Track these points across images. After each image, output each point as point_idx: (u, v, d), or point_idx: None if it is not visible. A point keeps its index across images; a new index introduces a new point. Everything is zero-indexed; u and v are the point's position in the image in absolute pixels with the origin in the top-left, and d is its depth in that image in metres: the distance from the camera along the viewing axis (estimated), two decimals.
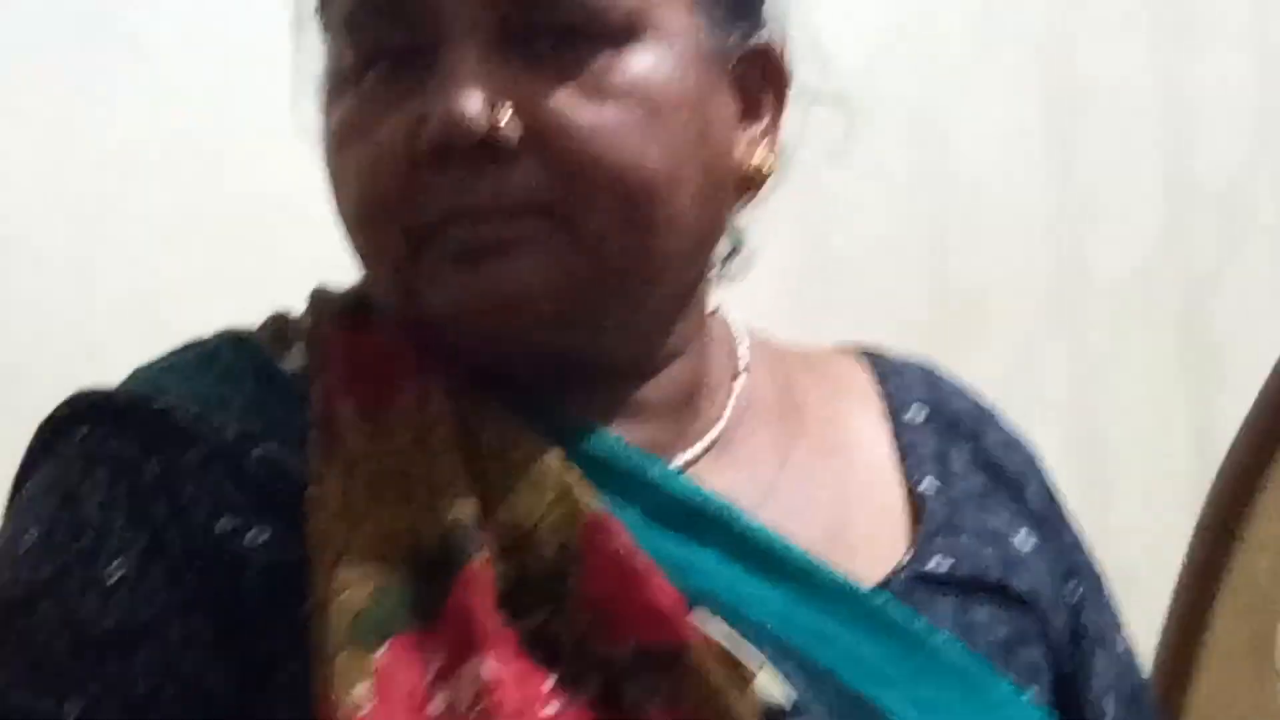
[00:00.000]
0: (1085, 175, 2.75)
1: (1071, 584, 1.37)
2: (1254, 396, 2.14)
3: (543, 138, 1.18)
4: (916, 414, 1.38)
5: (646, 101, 1.21)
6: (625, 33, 1.21)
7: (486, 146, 1.18)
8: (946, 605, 1.27)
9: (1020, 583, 1.31)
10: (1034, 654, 1.31)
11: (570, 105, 1.19)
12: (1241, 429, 2.14)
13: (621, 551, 1.17)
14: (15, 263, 2.35)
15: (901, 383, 1.40)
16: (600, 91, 1.20)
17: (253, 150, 2.24)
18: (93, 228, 2.37)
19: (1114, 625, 1.41)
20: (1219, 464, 2.14)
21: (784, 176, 1.32)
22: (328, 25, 1.28)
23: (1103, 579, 1.40)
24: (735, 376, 1.32)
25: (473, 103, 1.17)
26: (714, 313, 1.34)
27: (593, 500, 1.18)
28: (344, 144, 1.24)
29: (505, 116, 1.18)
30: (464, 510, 1.18)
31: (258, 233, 2.09)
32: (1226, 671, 2.09)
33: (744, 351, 1.34)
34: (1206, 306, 2.70)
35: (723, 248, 1.32)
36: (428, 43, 1.21)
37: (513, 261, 1.20)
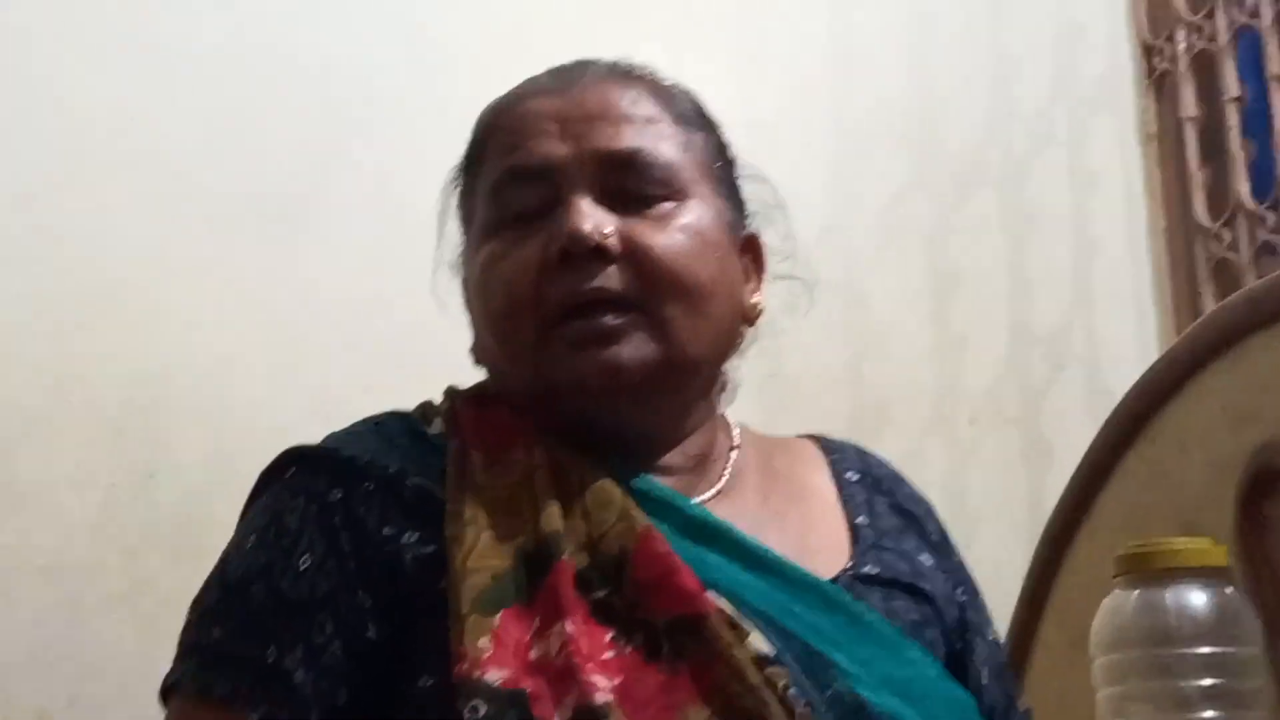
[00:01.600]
0: (956, 324, 2.81)
1: (959, 591, 1.44)
2: (1069, 476, 2.08)
3: (633, 252, 1.30)
4: (852, 475, 1.47)
5: (697, 235, 1.33)
6: (679, 194, 1.33)
7: (597, 255, 1.29)
8: (875, 596, 1.35)
9: (925, 585, 1.39)
10: (934, 634, 1.37)
11: (650, 233, 1.31)
12: (1060, 500, 2.07)
13: (662, 550, 1.25)
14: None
15: (841, 456, 1.49)
16: (668, 227, 1.31)
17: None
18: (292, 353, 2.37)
19: (986, 621, 1.46)
20: (1047, 519, 2.08)
21: (756, 330, 1.45)
22: (479, 194, 1.39)
23: (978, 590, 1.47)
24: (731, 450, 1.42)
25: (589, 223, 1.29)
26: (720, 412, 1.44)
27: (643, 517, 1.27)
28: (490, 267, 1.34)
29: (610, 234, 1.30)
30: (556, 523, 1.25)
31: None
32: (1052, 659, 1.97)
33: (736, 435, 1.44)
34: (1040, 413, 2.77)
35: (729, 370, 1.43)
36: (550, 203, 1.32)
37: (615, 346, 1.29)
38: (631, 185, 1.33)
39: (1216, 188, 2.83)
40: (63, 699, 2.16)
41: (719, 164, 1.42)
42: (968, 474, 2.74)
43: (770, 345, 1.47)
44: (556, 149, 1.34)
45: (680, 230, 1.33)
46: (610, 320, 1.30)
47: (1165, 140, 2.93)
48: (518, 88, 1.41)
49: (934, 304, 2.84)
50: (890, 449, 1.58)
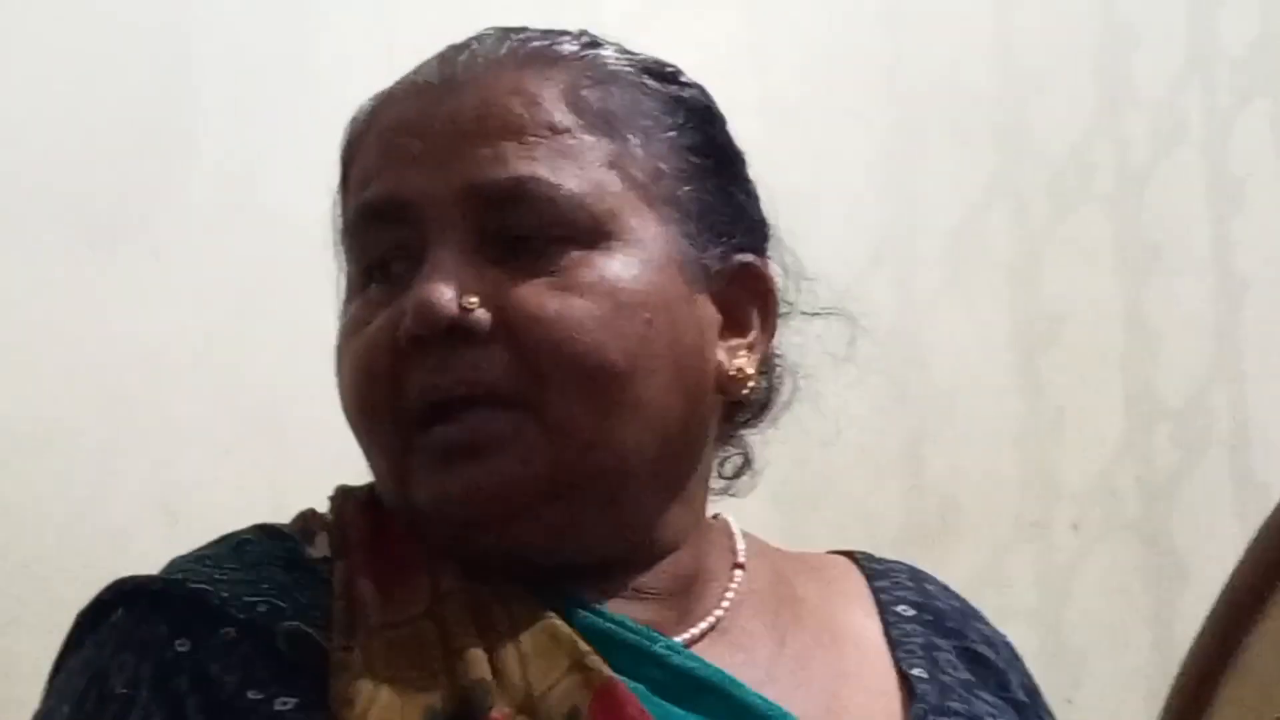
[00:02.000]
0: (1052, 391, 2.58)
1: None
2: (1211, 604, 2.05)
3: (510, 326, 1.11)
4: (905, 610, 1.27)
5: (611, 297, 1.13)
6: (592, 235, 1.13)
7: (457, 333, 1.10)
8: None
9: None
10: None
11: (536, 297, 1.12)
12: (1199, 635, 2.03)
13: (631, 713, 1.07)
14: (46, 452, 2.18)
15: (890, 582, 1.29)
16: (566, 286, 1.12)
17: (272, 353, 2.10)
18: (118, 423, 2.20)
19: None
20: (1179, 666, 2.06)
21: (787, 395, 1.23)
22: (342, 242, 1.21)
23: None
24: (734, 568, 1.21)
25: (441, 293, 1.10)
26: (716, 516, 1.24)
27: (605, 669, 1.07)
28: (345, 342, 1.17)
29: (472, 305, 1.11)
30: (482, 669, 1.08)
31: (273, 433, 1.94)
32: None
33: (741, 551, 1.23)
34: (1170, 515, 2.52)
35: (716, 454, 1.22)
36: (416, 250, 1.14)
37: (485, 461, 1.10)
38: (518, 228, 1.14)
39: None
40: None
41: (684, 173, 1.20)
42: (1069, 599, 2.52)
43: (793, 422, 1.24)
44: (415, 180, 1.16)
45: (586, 291, 1.14)
46: (481, 424, 1.12)
47: None
48: (395, 83, 1.23)
49: (1022, 361, 2.60)
50: (960, 567, 1.65)
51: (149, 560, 1.20)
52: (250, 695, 1.10)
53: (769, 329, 1.23)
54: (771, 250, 1.26)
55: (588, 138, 1.18)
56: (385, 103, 1.23)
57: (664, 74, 1.25)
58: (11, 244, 2.29)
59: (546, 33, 1.23)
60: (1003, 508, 2.51)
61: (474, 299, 1.13)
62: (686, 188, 1.20)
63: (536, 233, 1.15)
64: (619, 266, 1.15)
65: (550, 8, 1.61)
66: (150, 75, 2.37)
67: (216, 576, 1.17)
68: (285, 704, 1.09)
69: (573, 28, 1.25)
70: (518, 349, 1.12)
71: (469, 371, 1.13)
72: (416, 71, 1.23)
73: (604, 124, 1.19)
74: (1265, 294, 2.68)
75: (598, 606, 1.16)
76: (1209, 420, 2.62)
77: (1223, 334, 2.67)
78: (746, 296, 1.22)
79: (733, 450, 1.26)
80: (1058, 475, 2.58)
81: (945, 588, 1.34)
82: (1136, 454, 2.61)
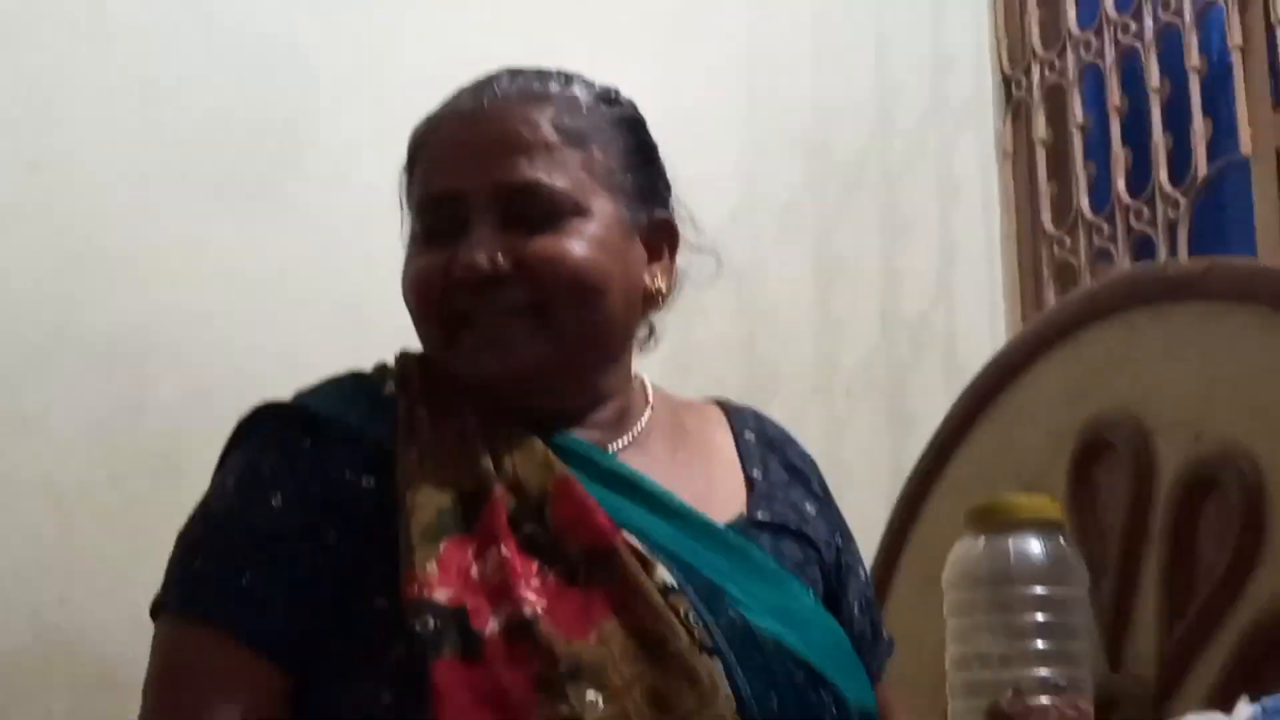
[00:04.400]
0: (838, 309, 2.86)
1: (836, 536, 1.48)
2: (926, 441, 2.15)
3: (526, 267, 1.30)
4: (749, 435, 1.50)
5: (590, 242, 1.32)
6: (574, 211, 1.32)
7: (487, 280, 1.30)
8: (765, 538, 1.39)
9: (808, 530, 1.44)
10: (815, 572, 1.42)
11: (543, 246, 1.31)
12: (919, 458, 2.13)
13: (577, 494, 1.28)
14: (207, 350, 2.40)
15: (741, 418, 1.53)
16: (561, 241, 1.31)
17: (361, 281, 2.25)
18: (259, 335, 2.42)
19: (858, 563, 1.51)
20: (907, 477, 2.16)
21: (672, 299, 1.44)
22: (409, 208, 1.40)
23: (852, 537, 1.52)
24: (647, 407, 1.44)
25: (481, 256, 1.30)
26: (636, 375, 1.46)
27: (561, 467, 1.30)
28: (409, 273, 1.37)
29: (502, 260, 1.30)
30: (489, 467, 1.28)
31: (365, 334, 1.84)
32: (909, 595, 2.03)
33: (651, 394, 1.46)
34: (905, 387, 2.81)
35: (642, 334, 1.43)
36: (461, 223, 1.33)
37: (509, 353, 1.32)
38: (530, 210, 1.34)
39: (1061, 201, 2.93)
40: (54, 598, 2.22)
41: (626, 169, 1.42)
42: (843, 437, 2.75)
43: (679, 316, 1.48)
44: (464, 181, 1.35)
45: (575, 242, 1.34)
46: (502, 326, 1.33)
47: (1019, 159, 3.02)
48: (442, 107, 1.42)
49: (818, 290, 2.87)
50: (776, 413, 1.59)
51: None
52: (347, 475, 1.29)
53: (673, 257, 1.44)
54: (675, 205, 1.45)
55: (568, 150, 1.35)
56: (438, 122, 1.40)
57: (610, 99, 1.42)
58: (188, 197, 2.44)
59: (540, 74, 1.40)
60: (804, 379, 2.76)
61: (500, 257, 1.31)
62: (627, 175, 1.39)
63: (540, 213, 1.33)
64: (590, 228, 1.34)
65: None
66: (281, 79, 2.53)
67: (326, 402, 1.36)
68: (368, 482, 1.29)
69: (556, 68, 1.41)
70: (532, 281, 1.32)
71: (495, 299, 1.31)
72: (457, 99, 1.41)
73: (578, 140, 1.36)
74: (969, 253, 2.93)
75: (563, 432, 1.36)
76: (932, 330, 2.85)
77: (941, 277, 2.93)
78: (662, 238, 1.43)
79: (646, 330, 1.45)
80: (838, 360, 2.83)
81: (774, 423, 1.56)
82: (886, 349, 2.86)
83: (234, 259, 2.45)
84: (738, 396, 1.60)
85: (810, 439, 1.58)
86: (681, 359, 2.40)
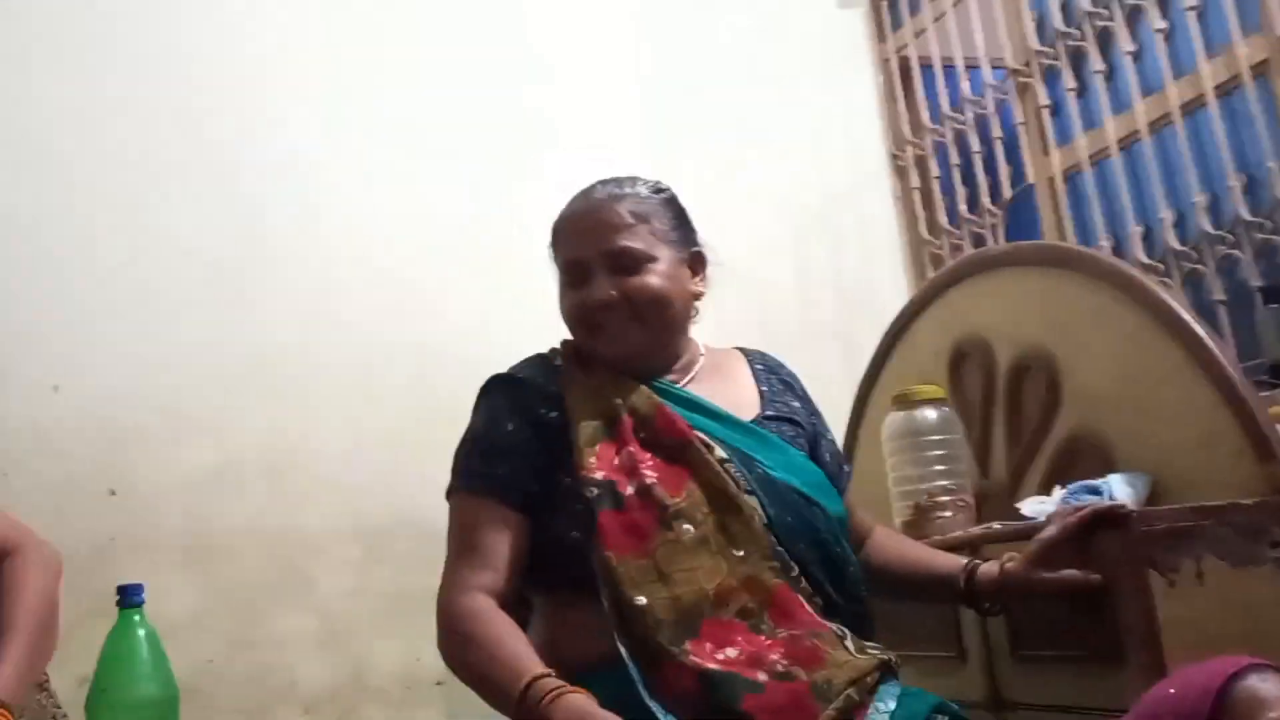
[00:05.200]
0: (826, 312, 2.80)
1: (812, 418, 1.43)
2: (868, 360, 2.09)
3: (628, 297, 1.33)
4: (759, 366, 1.46)
5: (661, 276, 1.34)
6: (650, 259, 1.34)
7: (607, 304, 1.33)
8: (772, 425, 1.36)
9: (796, 417, 1.41)
10: (802, 441, 1.38)
11: (634, 282, 1.32)
12: (865, 370, 2.09)
13: (667, 413, 1.30)
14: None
15: (752, 355, 1.48)
16: (645, 278, 1.33)
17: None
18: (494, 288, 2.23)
19: (827, 431, 1.45)
20: (860, 379, 2.08)
21: (707, 294, 1.39)
22: (557, 261, 1.39)
23: (821, 416, 1.47)
24: (699, 357, 1.42)
25: (600, 294, 1.33)
26: (691, 339, 1.42)
27: (656, 397, 1.31)
28: (564, 299, 1.37)
29: (614, 295, 1.32)
30: (619, 401, 1.30)
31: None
32: (868, 447, 1.97)
33: (701, 349, 1.43)
34: (854, 330, 2.56)
35: (693, 316, 1.40)
36: (589, 274, 1.34)
37: (625, 342, 1.34)
38: (625, 263, 1.32)
39: (931, 220, 2.95)
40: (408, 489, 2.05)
41: (673, 229, 1.37)
42: (821, 366, 2.29)
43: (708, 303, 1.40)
44: (585, 251, 1.33)
45: (653, 278, 1.33)
46: (619, 329, 1.33)
47: (905, 199, 3.02)
48: (568, 205, 1.38)
49: (806, 292, 2.80)
50: (783, 354, 1.51)
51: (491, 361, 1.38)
52: (541, 410, 1.31)
53: (704, 272, 1.40)
54: (700, 241, 1.41)
55: (641, 225, 1.34)
56: (567, 216, 1.38)
57: (658, 190, 1.39)
58: (457, 175, 2.37)
59: (618, 181, 1.38)
60: (791, 334, 2.56)
61: (613, 292, 1.32)
62: (674, 233, 1.38)
63: (630, 264, 1.33)
64: (659, 267, 1.34)
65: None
66: (523, 92, 2.49)
67: (528, 371, 1.36)
68: (553, 414, 1.31)
69: (638, 176, 1.39)
70: (631, 303, 1.32)
71: (611, 316, 1.33)
72: (574, 202, 1.38)
73: (645, 219, 1.35)
74: (883, 254, 2.90)
75: (655, 378, 1.35)
76: (871, 300, 2.70)
77: (864, 270, 2.88)
78: (698, 262, 1.40)
79: (695, 313, 1.40)
80: (818, 317, 2.76)
81: (772, 357, 1.51)
82: (841, 312, 2.80)
83: None
84: (752, 343, 1.52)
85: (799, 370, 1.52)
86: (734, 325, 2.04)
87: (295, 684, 2.05)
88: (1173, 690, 1.02)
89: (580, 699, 1.07)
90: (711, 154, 2.64)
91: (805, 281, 2.80)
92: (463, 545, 1.25)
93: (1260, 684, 0.97)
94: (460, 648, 1.19)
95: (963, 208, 2.84)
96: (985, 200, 2.76)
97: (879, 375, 2.03)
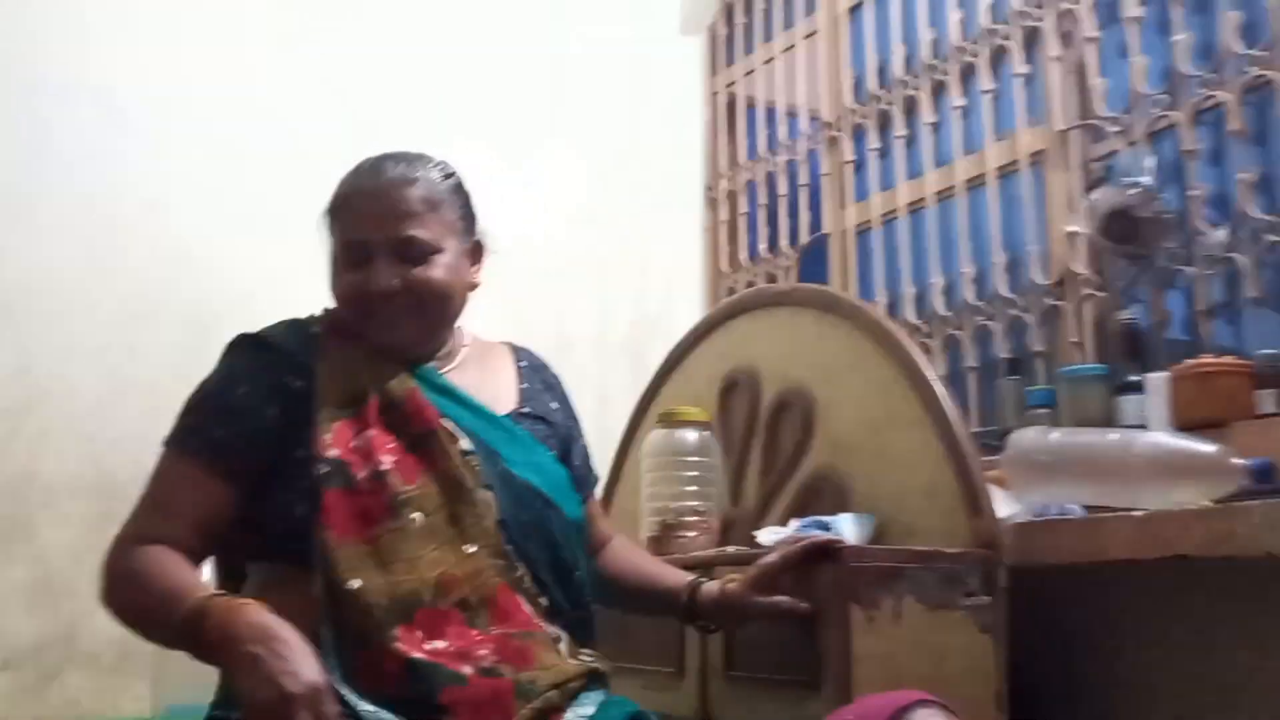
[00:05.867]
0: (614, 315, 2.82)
1: (568, 420, 1.43)
2: (648, 381, 2.08)
3: (411, 287, 1.28)
4: (524, 363, 1.44)
5: (446, 268, 1.29)
6: (436, 249, 1.29)
7: (389, 293, 1.27)
8: (527, 423, 1.35)
9: (552, 418, 1.39)
10: (554, 443, 1.37)
11: (420, 274, 1.28)
12: (645, 389, 2.09)
13: (420, 399, 1.27)
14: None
15: (519, 352, 1.45)
16: (430, 269, 1.29)
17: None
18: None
19: (581, 436, 1.44)
20: (639, 398, 2.08)
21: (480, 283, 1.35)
22: (334, 238, 1.32)
23: (578, 421, 1.45)
24: (463, 347, 1.39)
25: (385, 281, 1.28)
26: (459, 326, 1.38)
27: (411, 382, 1.28)
28: (338, 281, 1.32)
29: (395, 283, 1.27)
30: (369, 380, 1.27)
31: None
32: (634, 465, 1.94)
33: (468, 338, 1.40)
34: (646, 350, 2.55)
35: (464, 305, 1.35)
36: (369, 257, 1.28)
37: (399, 330, 1.30)
38: (412, 253, 1.28)
39: (733, 254, 3.05)
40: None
41: (460, 218, 1.33)
42: (608, 384, 2.54)
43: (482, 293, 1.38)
44: (370, 234, 1.28)
45: (438, 271, 1.29)
46: (394, 318, 1.29)
47: (713, 233, 3.12)
48: (352, 179, 1.31)
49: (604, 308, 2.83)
50: (570, 368, 1.53)
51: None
52: (285, 377, 1.26)
53: (481, 261, 1.36)
54: (479, 230, 1.36)
55: (430, 213, 1.29)
56: (350, 191, 1.31)
57: (448, 173, 1.34)
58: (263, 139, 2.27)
59: (410, 161, 1.31)
60: (587, 349, 2.66)
61: (395, 281, 1.27)
62: (460, 222, 1.33)
63: (416, 254, 1.28)
64: (444, 259, 1.30)
65: None
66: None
67: (277, 334, 1.31)
68: (298, 383, 1.25)
69: (417, 154, 1.32)
70: (413, 295, 1.28)
71: (391, 306, 1.28)
72: (358, 174, 1.31)
73: (435, 207, 1.30)
74: (681, 285, 2.99)
75: (416, 364, 1.31)
76: (659, 324, 2.75)
77: (666, 297, 2.95)
78: (477, 252, 1.36)
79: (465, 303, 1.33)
80: (609, 338, 2.78)
81: (539, 357, 1.47)
82: (634, 338, 2.84)
83: None
84: (529, 344, 1.50)
85: (570, 376, 1.51)
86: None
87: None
88: (850, 718, 1.09)
89: (256, 608, 1.05)
90: (536, 152, 2.68)
91: (607, 296, 2.84)
92: (151, 499, 1.21)
93: (927, 718, 1.04)
94: (120, 588, 1.15)
95: (763, 246, 2.94)
96: (784, 243, 2.86)
97: (656, 394, 2.05)
